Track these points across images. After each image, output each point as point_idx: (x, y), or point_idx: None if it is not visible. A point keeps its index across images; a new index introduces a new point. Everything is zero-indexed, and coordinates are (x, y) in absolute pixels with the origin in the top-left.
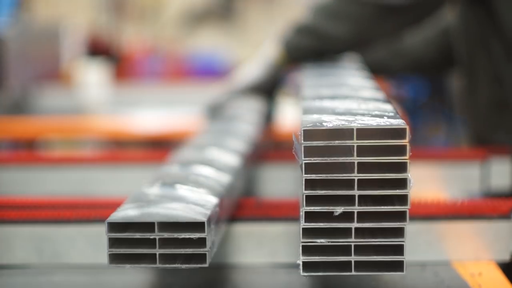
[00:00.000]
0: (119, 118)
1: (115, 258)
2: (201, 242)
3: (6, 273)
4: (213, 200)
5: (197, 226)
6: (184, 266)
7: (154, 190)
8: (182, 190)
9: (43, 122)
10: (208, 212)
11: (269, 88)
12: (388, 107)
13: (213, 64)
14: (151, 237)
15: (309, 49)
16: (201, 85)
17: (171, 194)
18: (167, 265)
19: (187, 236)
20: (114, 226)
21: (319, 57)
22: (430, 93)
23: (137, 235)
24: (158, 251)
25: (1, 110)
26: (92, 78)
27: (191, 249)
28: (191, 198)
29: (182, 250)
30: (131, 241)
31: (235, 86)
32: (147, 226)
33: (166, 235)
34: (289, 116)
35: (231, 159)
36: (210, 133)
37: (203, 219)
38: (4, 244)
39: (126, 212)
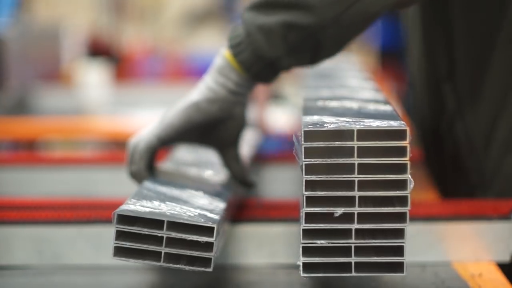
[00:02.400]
0: (119, 118)
1: (119, 251)
2: (208, 246)
3: (6, 274)
4: (221, 205)
5: (206, 230)
6: (187, 268)
7: (164, 188)
8: (193, 192)
9: (44, 122)
10: (218, 217)
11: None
12: (389, 108)
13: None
14: (159, 234)
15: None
16: None
17: (182, 195)
18: (171, 265)
19: (195, 239)
20: (123, 219)
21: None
22: None
23: (145, 231)
24: (164, 249)
25: (1, 111)
26: (93, 78)
27: (197, 252)
28: (201, 201)
29: (188, 251)
30: (137, 236)
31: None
32: (156, 224)
33: (174, 234)
34: (280, 118)
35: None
36: None
37: (213, 224)
38: (4, 245)
39: (136, 207)
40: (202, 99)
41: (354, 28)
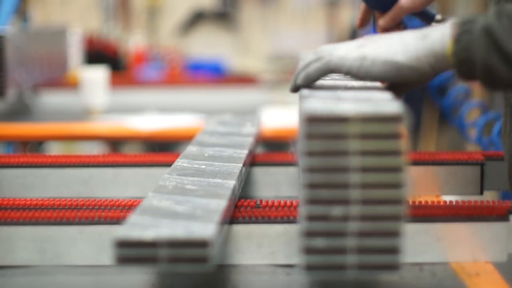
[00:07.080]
0: (122, 123)
1: (120, 260)
2: (206, 244)
3: (8, 274)
4: (220, 207)
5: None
6: (188, 268)
7: (162, 202)
8: (189, 199)
9: (46, 127)
10: (214, 229)
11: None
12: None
13: (213, 69)
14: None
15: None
16: (201, 90)
17: (178, 207)
18: (172, 267)
19: (191, 254)
20: (122, 243)
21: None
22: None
23: (143, 254)
24: (164, 252)
25: (3, 115)
26: (95, 84)
27: (195, 251)
28: (197, 212)
29: (187, 251)
30: (138, 243)
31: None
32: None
33: (170, 253)
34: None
35: (234, 166)
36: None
37: (208, 237)
38: (6, 245)
39: (132, 229)
40: (406, 63)
41: None
